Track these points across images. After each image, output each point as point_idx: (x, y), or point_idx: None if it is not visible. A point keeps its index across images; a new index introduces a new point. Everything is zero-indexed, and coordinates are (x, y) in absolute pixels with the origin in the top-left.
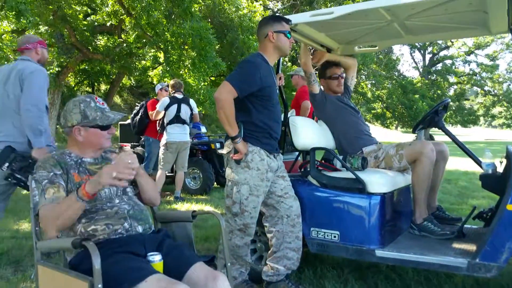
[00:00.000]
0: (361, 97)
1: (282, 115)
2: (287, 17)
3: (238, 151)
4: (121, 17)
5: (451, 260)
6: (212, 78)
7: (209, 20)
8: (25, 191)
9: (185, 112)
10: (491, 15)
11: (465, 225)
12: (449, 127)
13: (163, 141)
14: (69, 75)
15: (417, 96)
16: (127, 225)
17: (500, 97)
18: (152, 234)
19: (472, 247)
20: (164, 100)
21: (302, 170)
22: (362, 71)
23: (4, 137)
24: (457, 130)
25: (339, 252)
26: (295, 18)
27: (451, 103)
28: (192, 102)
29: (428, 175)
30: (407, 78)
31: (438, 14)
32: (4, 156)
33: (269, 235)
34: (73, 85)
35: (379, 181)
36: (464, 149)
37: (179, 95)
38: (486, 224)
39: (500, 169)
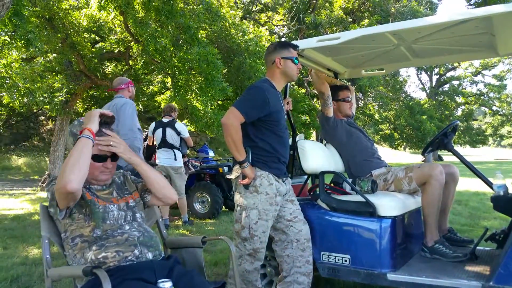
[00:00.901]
0: (369, 118)
1: (290, 139)
2: (294, 42)
3: (246, 176)
4: (129, 44)
5: (464, 283)
6: (219, 102)
7: (216, 45)
8: (34, 217)
9: (170, 136)
10: (498, 37)
11: (478, 247)
12: (458, 148)
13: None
14: (77, 101)
15: (424, 117)
16: (137, 252)
17: (509, 116)
18: (162, 261)
19: (485, 270)
20: (152, 124)
21: (312, 193)
22: (369, 93)
23: None
24: (466, 151)
25: (350, 276)
26: (302, 43)
27: (459, 124)
28: (179, 125)
29: (438, 197)
30: (414, 99)
31: (445, 37)
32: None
33: (279, 260)
34: (81, 111)
35: (389, 204)
36: (474, 171)
37: (166, 119)
38: (498, 246)
39: (511, 190)
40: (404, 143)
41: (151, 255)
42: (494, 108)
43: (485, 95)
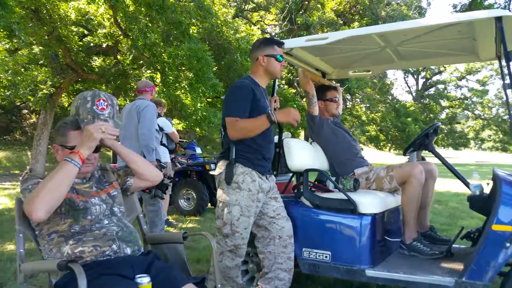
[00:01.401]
0: (356, 119)
1: (276, 137)
2: (282, 41)
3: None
4: (118, 38)
5: (439, 279)
6: (209, 100)
7: (207, 42)
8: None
9: None
10: (480, 42)
11: (454, 245)
12: (441, 150)
13: None
14: (62, 95)
15: (409, 119)
16: (115, 247)
17: (490, 121)
18: (141, 256)
19: (459, 266)
20: None
21: (295, 191)
22: (357, 94)
23: None
24: (449, 153)
25: (330, 272)
26: (291, 42)
27: (443, 126)
28: (161, 120)
29: (417, 196)
30: (400, 102)
31: (429, 41)
32: None
33: (261, 256)
34: (66, 105)
35: (370, 202)
36: (453, 171)
37: None
38: (473, 244)
39: (487, 190)
40: (389, 145)
41: (130, 250)
42: (476, 112)
43: (469, 99)
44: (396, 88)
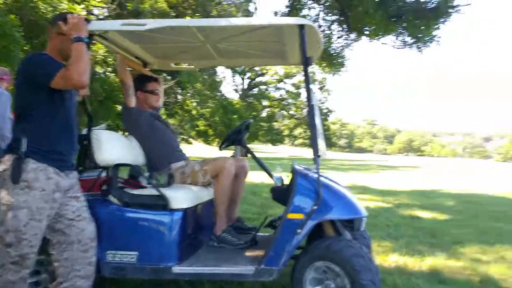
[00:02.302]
0: (187, 114)
1: (86, 129)
2: (95, 22)
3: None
4: None
5: (241, 268)
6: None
7: (18, 16)
8: None
9: None
10: (288, 47)
11: (260, 234)
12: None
13: None
14: None
15: (235, 116)
16: None
17: (301, 120)
18: None
19: (261, 254)
20: None
21: (102, 188)
22: (188, 89)
23: None
24: (268, 148)
25: (136, 273)
26: (104, 24)
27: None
28: None
29: (228, 188)
30: (228, 100)
31: (245, 41)
32: None
33: (56, 264)
34: None
35: (182, 197)
36: (261, 164)
37: None
38: (275, 232)
39: (288, 182)
40: (217, 140)
41: None
42: (291, 112)
43: (285, 101)
44: (225, 86)
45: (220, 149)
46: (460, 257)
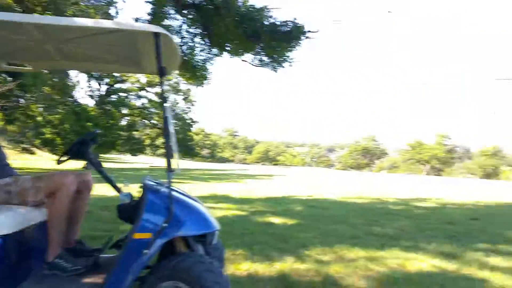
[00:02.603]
0: (31, 120)
1: None
2: None
3: None
4: None
5: None
6: None
7: None
8: None
9: None
10: (144, 55)
11: (105, 255)
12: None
13: None
14: None
15: (90, 124)
16: None
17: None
18: None
19: (102, 279)
20: None
21: None
22: (33, 92)
23: None
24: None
25: None
26: None
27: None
28: None
29: (65, 208)
30: (81, 105)
31: (95, 45)
32: None
33: None
34: None
35: (3, 221)
36: (108, 181)
37: None
38: (118, 254)
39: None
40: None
41: None
42: (153, 121)
43: (147, 110)
44: (79, 91)
45: (58, 163)
46: (305, 260)
